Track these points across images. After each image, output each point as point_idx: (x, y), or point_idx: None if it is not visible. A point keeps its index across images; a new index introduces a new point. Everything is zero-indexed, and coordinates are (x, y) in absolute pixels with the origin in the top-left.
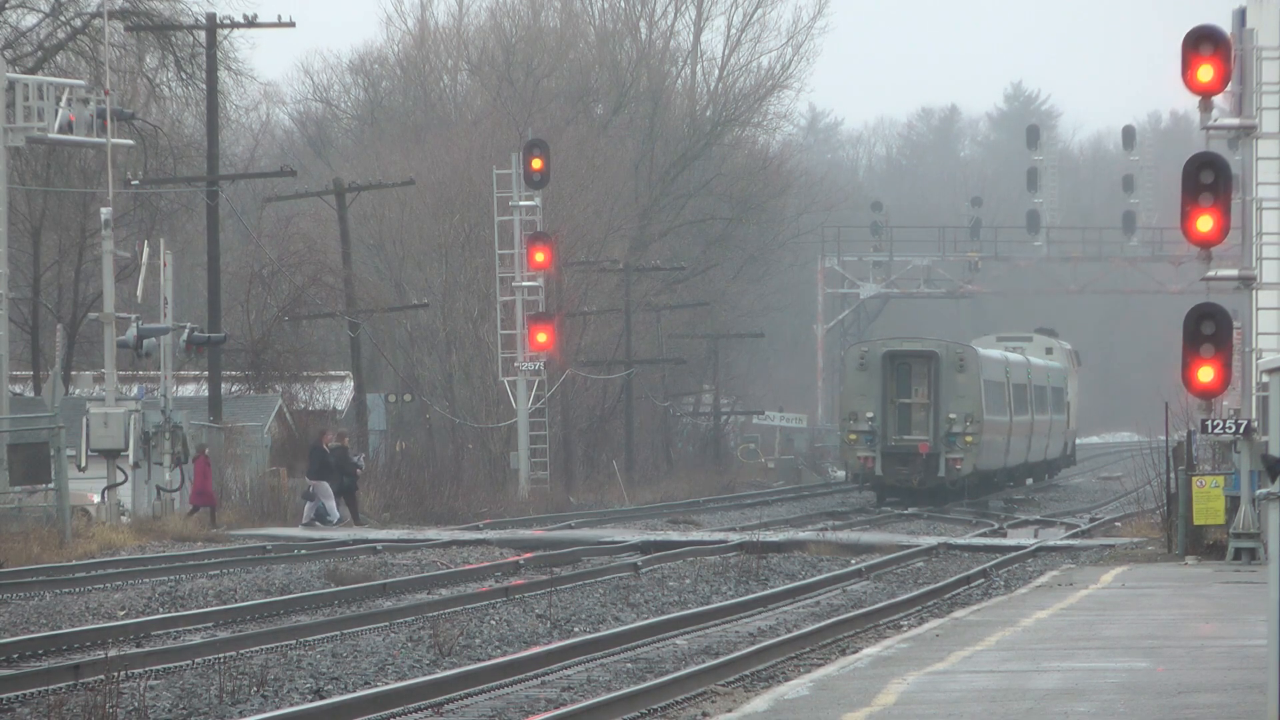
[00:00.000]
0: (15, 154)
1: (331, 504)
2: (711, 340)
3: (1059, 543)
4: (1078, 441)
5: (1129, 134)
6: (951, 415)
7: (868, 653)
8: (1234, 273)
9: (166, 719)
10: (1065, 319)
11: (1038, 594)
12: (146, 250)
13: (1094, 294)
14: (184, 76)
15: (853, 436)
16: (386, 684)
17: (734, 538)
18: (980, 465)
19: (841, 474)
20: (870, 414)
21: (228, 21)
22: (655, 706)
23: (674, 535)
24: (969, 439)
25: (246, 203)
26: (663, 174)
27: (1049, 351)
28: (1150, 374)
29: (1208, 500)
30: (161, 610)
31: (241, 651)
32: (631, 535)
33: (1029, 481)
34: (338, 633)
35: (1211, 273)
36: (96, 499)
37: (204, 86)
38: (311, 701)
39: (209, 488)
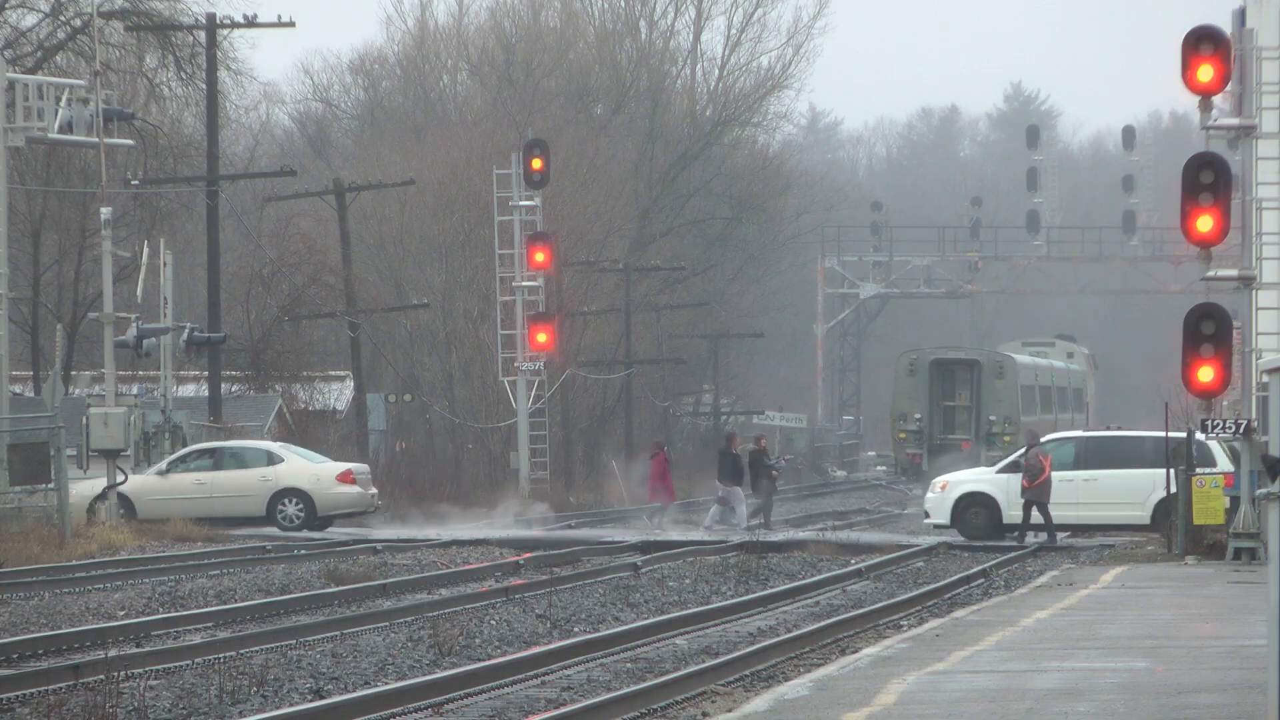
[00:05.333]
0: (15, 154)
1: (742, 509)
2: (711, 340)
3: (1059, 543)
4: None
5: (1129, 134)
6: (992, 417)
7: (868, 652)
8: (1234, 273)
9: (166, 719)
10: (1065, 319)
11: (1038, 594)
12: (146, 250)
13: (1094, 294)
14: (184, 76)
15: (902, 435)
16: (386, 684)
17: (734, 537)
18: None
19: (841, 473)
20: (918, 415)
21: (228, 21)
22: (655, 706)
23: (674, 535)
24: (1007, 439)
25: (246, 203)
26: (663, 174)
27: (1069, 355)
28: (1150, 374)
29: (1208, 500)
30: (161, 610)
31: (241, 651)
32: (631, 535)
33: None
34: (338, 633)
35: (1211, 273)
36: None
37: (204, 86)
38: (311, 701)
39: (669, 484)
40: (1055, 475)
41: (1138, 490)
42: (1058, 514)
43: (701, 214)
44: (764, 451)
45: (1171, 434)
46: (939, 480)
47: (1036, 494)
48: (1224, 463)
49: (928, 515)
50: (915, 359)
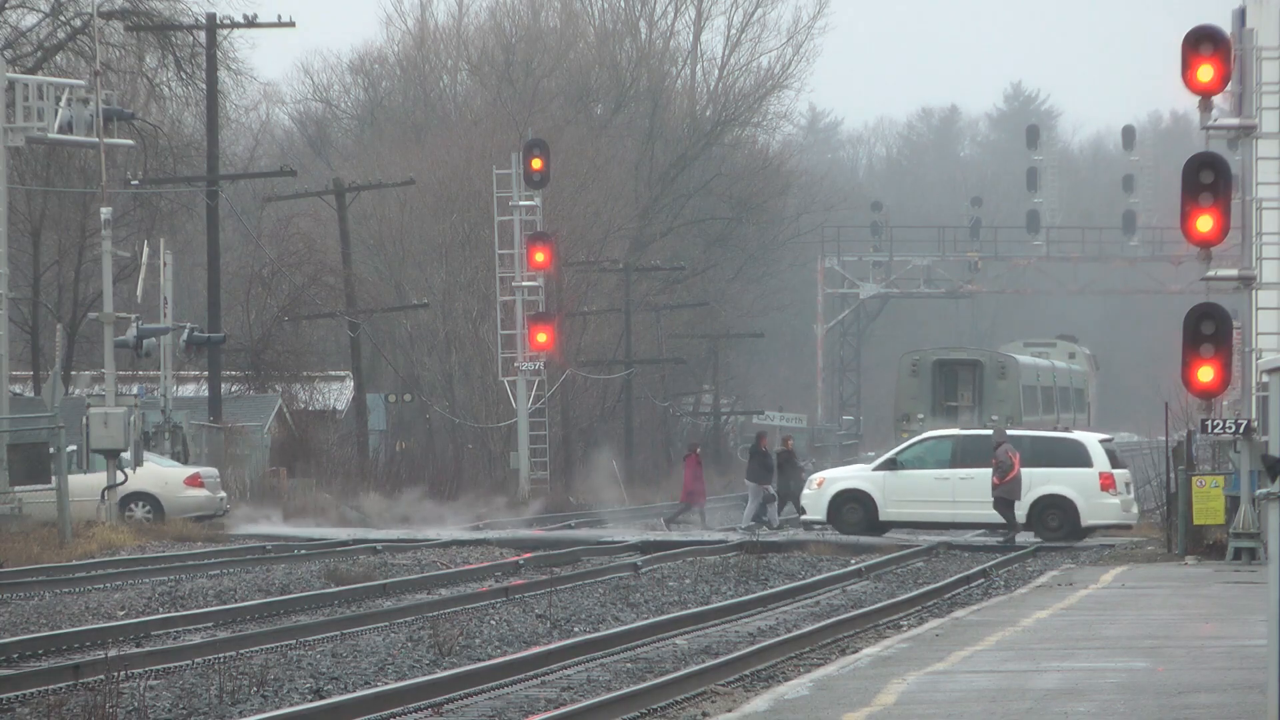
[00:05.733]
0: (15, 154)
1: (753, 506)
2: (711, 340)
3: (1059, 543)
4: None
5: (1129, 134)
6: (994, 417)
7: (868, 652)
8: (1234, 273)
9: (166, 719)
10: (1065, 319)
11: (1038, 594)
12: (146, 250)
13: (1094, 294)
14: (184, 76)
15: (905, 435)
16: (386, 684)
17: (734, 537)
18: None
19: None
20: (921, 415)
21: (228, 21)
22: (655, 706)
23: (674, 535)
24: None
25: (246, 203)
26: (663, 174)
27: (1071, 356)
28: (1150, 374)
29: (1208, 500)
30: (161, 610)
31: (241, 651)
32: (631, 535)
33: None
34: (338, 633)
35: (1211, 273)
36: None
37: (204, 86)
38: (311, 701)
39: (700, 487)
40: (931, 474)
41: None
42: (935, 513)
43: (701, 214)
44: (792, 452)
45: (1057, 434)
46: (816, 477)
47: (1007, 491)
48: (1103, 463)
49: (803, 512)
50: (918, 359)
